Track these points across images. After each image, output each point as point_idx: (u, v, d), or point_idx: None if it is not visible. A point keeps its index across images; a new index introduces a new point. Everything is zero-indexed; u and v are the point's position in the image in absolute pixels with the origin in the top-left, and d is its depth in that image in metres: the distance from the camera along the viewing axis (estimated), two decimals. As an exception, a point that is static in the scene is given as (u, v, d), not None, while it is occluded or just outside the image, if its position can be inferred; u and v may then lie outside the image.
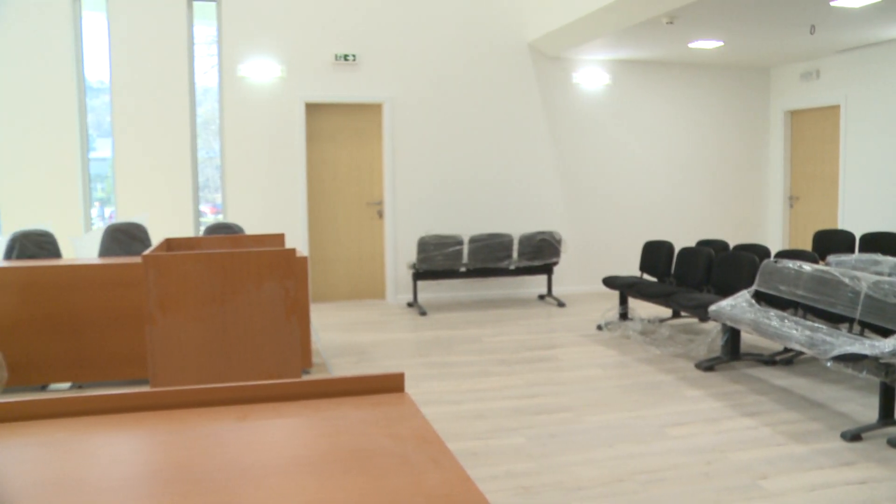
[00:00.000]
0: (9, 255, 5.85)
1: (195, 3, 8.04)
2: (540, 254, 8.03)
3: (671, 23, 6.59)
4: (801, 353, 5.41)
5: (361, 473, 1.15)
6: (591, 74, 8.80)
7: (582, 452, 3.88)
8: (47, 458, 1.24)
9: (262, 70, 7.92)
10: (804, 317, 5.03)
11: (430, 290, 8.53)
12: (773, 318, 4.89)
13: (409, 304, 8.23)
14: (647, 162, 9.13)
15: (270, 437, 1.32)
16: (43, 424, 1.40)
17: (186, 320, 3.31)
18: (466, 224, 8.54)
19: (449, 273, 7.90)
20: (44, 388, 5.11)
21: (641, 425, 4.30)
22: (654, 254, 7.02)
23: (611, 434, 4.16)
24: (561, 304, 8.10)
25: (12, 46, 7.59)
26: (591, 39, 7.59)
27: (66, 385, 5.13)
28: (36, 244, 5.93)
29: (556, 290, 8.65)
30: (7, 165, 7.65)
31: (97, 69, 8.01)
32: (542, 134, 8.74)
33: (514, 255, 8.03)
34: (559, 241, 8.06)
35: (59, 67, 7.66)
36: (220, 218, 8.35)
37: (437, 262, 7.74)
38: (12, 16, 7.57)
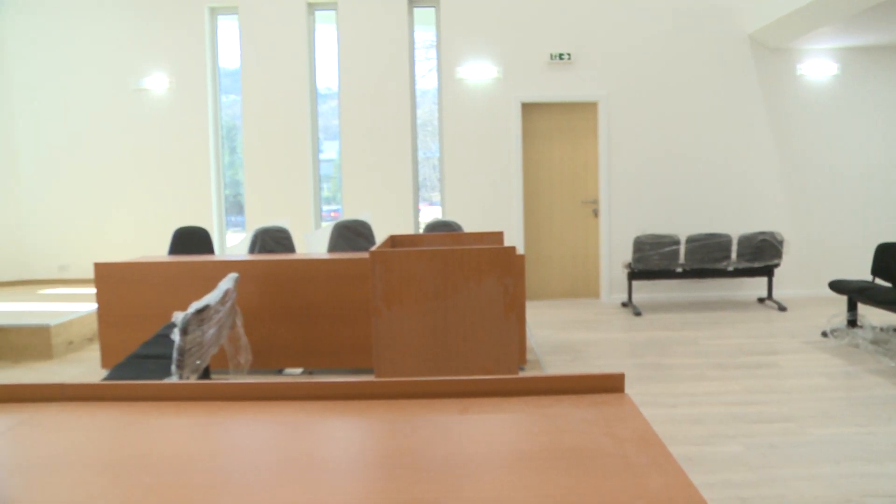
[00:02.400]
0: (252, 249, 6.40)
1: (416, 10, 8.38)
2: (760, 255, 7.60)
3: (917, 3, 5.99)
4: None
5: (582, 472, 1.15)
6: (818, 65, 8.18)
7: (805, 467, 3.63)
8: (285, 436, 1.34)
9: (479, 71, 8.11)
10: None
11: (645, 290, 8.33)
12: None
13: (624, 304, 8.09)
14: (879, 156, 8.35)
15: (492, 430, 1.35)
16: (281, 405, 1.52)
17: (409, 314, 3.46)
18: (683, 223, 8.26)
19: (665, 273, 7.67)
20: (280, 371, 5.54)
21: (873, 443, 3.94)
22: (890, 256, 6.40)
23: (838, 450, 3.85)
24: (782, 308, 7.61)
25: (257, 60, 8.31)
26: (819, 27, 7.06)
27: (299, 370, 5.53)
28: (274, 239, 6.45)
29: (776, 294, 8.14)
30: (252, 167, 8.38)
31: (324, 76, 8.57)
32: (763, 129, 8.25)
33: (733, 255, 7.65)
34: (781, 242, 7.57)
35: (295, 77, 8.29)
36: (438, 215, 8.64)
37: (653, 261, 7.54)
38: (257, 32, 8.28)
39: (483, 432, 1.34)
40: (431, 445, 1.28)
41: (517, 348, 3.56)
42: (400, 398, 1.56)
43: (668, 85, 8.19)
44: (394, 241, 4.67)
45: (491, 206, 8.26)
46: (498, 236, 4.78)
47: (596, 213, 8.39)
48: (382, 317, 3.48)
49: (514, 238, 8.25)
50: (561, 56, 8.10)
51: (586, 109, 8.31)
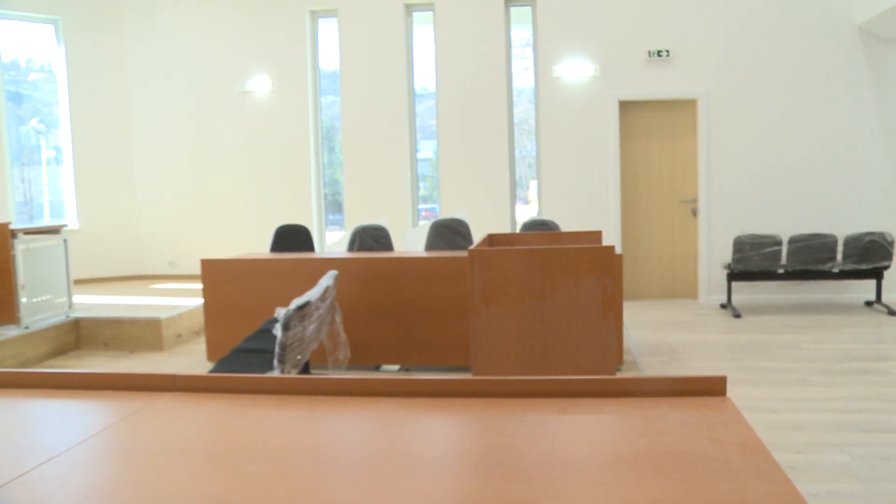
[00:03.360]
0: (351, 247, 6.53)
1: (512, 9, 8.37)
2: (868, 256, 7.25)
3: None
4: None
5: (683, 476, 1.14)
6: (942, 55, 7.75)
7: (922, 480, 3.45)
8: (382, 431, 1.38)
9: (576, 70, 8.04)
10: None
11: (745, 292, 8.08)
12: None
13: (723, 306, 7.87)
14: None
15: (590, 431, 1.35)
16: (379, 401, 1.55)
17: (507, 312, 3.47)
18: (785, 223, 7.97)
19: (766, 274, 7.43)
20: (377, 368, 5.64)
21: None
22: None
23: (960, 463, 3.65)
24: (892, 313, 7.24)
25: (355, 62, 8.47)
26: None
27: (395, 367, 5.62)
28: (372, 238, 6.56)
29: (886, 297, 7.77)
30: (350, 167, 8.55)
31: (421, 77, 8.66)
32: (872, 124, 7.86)
33: (839, 257, 7.34)
34: (891, 243, 7.21)
35: (393, 77, 8.42)
36: (531, 214, 8.61)
37: (754, 262, 7.31)
38: (355, 34, 8.44)
39: (581, 433, 1.34)
40: (529, 445, 1.29)
41: (615, 349, 3.53)
42: (498, 396, 1.57)
43: (770, 80, 7.91)
44: (492, 239, 4.69)
45: (588, 204, 8.18)
46: (596, 235, 4.74)
47: (695, 213, 8.20)
48: (481, 315, 3.50)
49: (612, 237, 8.14)
50: (659, 53, 7.94)
51: (685, 107, 8.13)
